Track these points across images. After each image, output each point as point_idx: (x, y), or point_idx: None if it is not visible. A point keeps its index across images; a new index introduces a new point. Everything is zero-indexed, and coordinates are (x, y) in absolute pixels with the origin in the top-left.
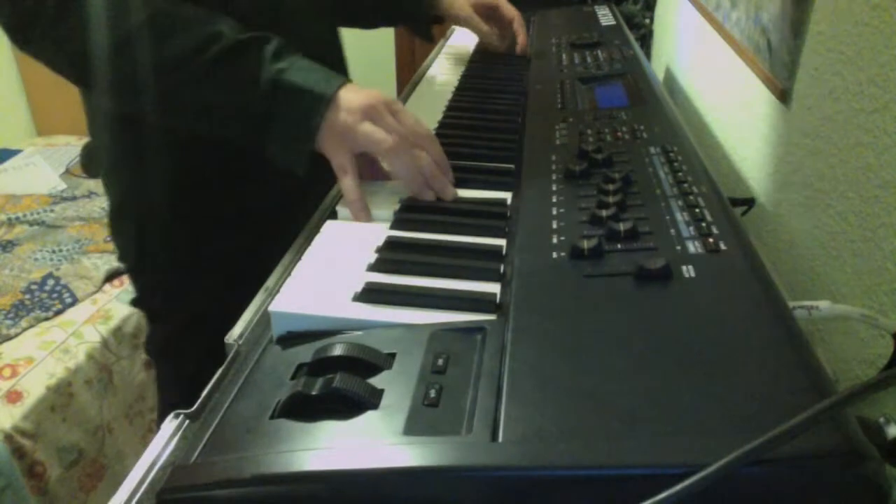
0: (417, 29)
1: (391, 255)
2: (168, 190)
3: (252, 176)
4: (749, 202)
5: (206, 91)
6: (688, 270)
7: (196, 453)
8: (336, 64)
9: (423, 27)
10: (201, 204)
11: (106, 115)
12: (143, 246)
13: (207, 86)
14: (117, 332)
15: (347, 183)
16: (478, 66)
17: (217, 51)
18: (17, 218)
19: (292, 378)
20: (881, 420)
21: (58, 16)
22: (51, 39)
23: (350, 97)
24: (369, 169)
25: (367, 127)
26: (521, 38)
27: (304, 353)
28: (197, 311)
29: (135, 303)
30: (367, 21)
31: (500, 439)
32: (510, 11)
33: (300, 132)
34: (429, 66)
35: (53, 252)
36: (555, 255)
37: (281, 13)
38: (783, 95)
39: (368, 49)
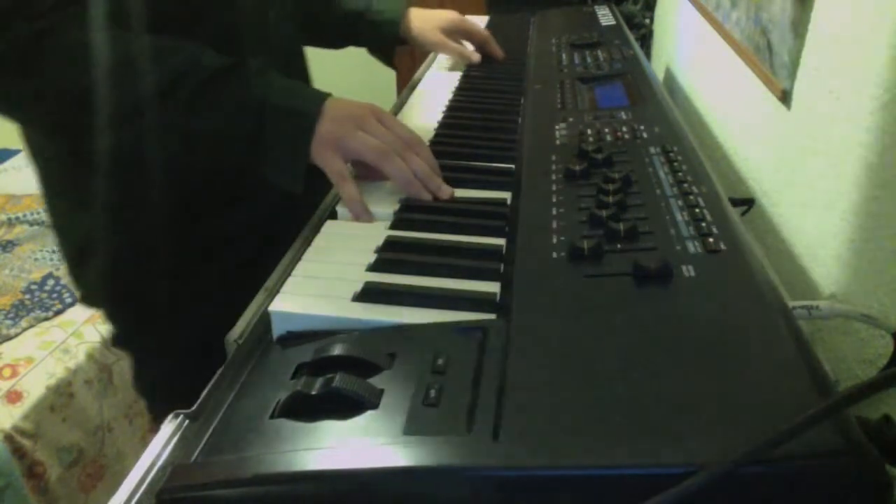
0: (379, 52)
1: (391, 255)
2: (143, 226)
3: (229, 211)
4: (749, 202)
5: (193, 121)
6: (688, 270)
7: (196, 453)
8: (299, 74)
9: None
10: (181, 240)
11: (71, 156)
12: (115, 289)
13: (193, 115)
14: None
15: (347, 188)
16: (477, 66)
17: (197, 80)
18: (17, 218)
19: (292, 378)
20: (881, 420)
21: (25, 70)
22: (16, 94)
23: (337, 109)
24: (365, 169)
25: (359, 135)
26: (496, 53)
27: (304, 353)
28: (186, 347)
29: (116, 342)
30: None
31: (501, 439)
32: (481, 33)
33: (293, 152)
34: (429, 67)
35: (53, 252)
36: (555, 255)
37: (240, 24)
38: (783, 95)
39: (365, 50)
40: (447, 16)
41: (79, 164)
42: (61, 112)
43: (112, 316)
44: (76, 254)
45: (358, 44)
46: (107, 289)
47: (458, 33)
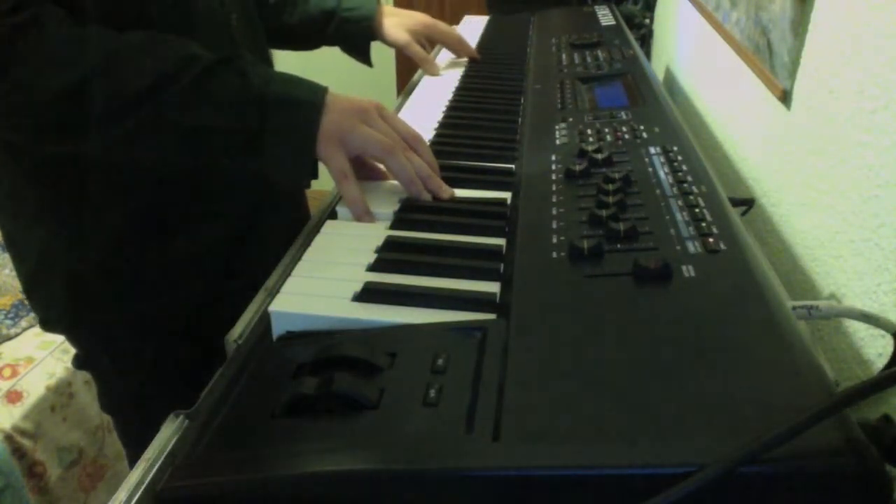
0: (354, 50)
1: (391, 255)
2: (105, 244)
3: (192, 225)
4: (749, 202)
5: (189, 116)
6: (688, 270)
7: (196, 453)
8: None
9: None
10: (143, 255)
11: (24, 168)
12: (75, 309)
13: (189, 111)
14: None
15: (349, 187)
16: (478, 66)
17: (192, 73)
18: None
19: (292, 378)
20: (881, 420)
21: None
22: None
23: (340, 102)
24: (363, 168)
25: (365, 129)
26: (471, 54)
27: (304, 353)
28: (151, 367)
29: (77, 364)
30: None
31: (501, 439)
32: (451, 35)
33: (298, 145)
34: None
35: None
36: (555, 255)
37: (199, 28)
38: (783, 95)
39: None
40: (417, 17)
41: (34, 178)
42: (40, 114)
43: (72, 339)
44: (32, 275)
45: (331, 43)
46: (66, 313)
47: (427, 36)
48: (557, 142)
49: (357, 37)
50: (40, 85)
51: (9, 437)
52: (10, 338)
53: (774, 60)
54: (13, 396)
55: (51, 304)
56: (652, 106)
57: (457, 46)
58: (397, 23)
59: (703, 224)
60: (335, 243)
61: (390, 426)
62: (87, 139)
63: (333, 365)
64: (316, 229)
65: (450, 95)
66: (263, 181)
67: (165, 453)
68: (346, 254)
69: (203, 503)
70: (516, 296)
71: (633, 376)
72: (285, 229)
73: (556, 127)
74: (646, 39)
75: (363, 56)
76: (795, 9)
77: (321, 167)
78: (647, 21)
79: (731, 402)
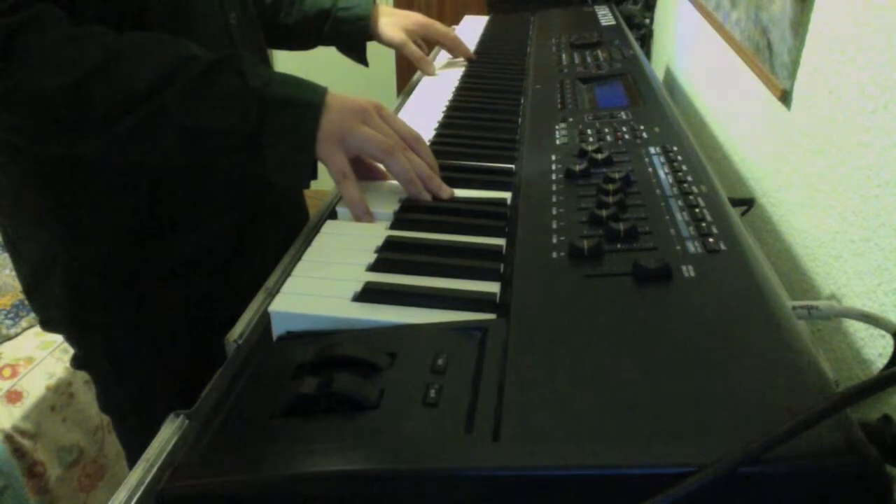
0: (350, 50)
1: (391, 255)
2: (104, 244)
3: (192, 225)
4: (749, 202)
5: (188, 116)
6: (687, 270)
7: (196, 453)
8: None
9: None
10: (143, 255)
11: (24, 168)
12: (75, 310)
13: (189, 110)
14: None
15: (349, 188)
16: (478, 66)
17: (193, 74)
18: None
19: (292, 378)
20: (881, 420)
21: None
22: None
23: (340, 102)
24: (362, 168)
25: (365, 129)
26: (466, 54)
27: (304, 353)
28: (152, 366)
29: (76, 364)
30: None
31: (501, 439)
32: (447, 35)
33: (299, 143)
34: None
35: None
36: (555, 255)
37: (198, 29)
38: (783, 95)
39: (369, 49)
40: (413, 17)
41: (34, 178)
42: (39, 114)
43: (72, 339)
44: (32, 276)
45: (327, 42)
46: (66, 313)
47: (423, 36)
48: (557, 142)
49: (352, 36)
50: (40, 85)
51: (9, 437)
52: (10, 338)
53: (774, 60)
54: (13, 396)
55: (51, 305)
56: (652, 106)
57: (453, 46)
58: (393, 22)
59: (703, 224)
60: (335, 243)
61: (390, 426)
62: (86, 139)
63: (333, 365)
64: (316, 229)
65: (450, 95)
66: (263, 181)
67: (165, 453)
68: (346, 254)
69: (203, 503)
70: (516, 296)
71: (633, 376)
72: (285, 229)
73: (556, 127)
74: (646, 39)
75: (359, 56)
76: (795, 9)
77: (321, 167)
78: (647, 21)
79: (731, 402)
